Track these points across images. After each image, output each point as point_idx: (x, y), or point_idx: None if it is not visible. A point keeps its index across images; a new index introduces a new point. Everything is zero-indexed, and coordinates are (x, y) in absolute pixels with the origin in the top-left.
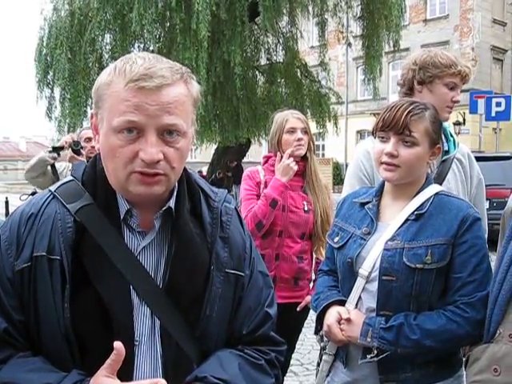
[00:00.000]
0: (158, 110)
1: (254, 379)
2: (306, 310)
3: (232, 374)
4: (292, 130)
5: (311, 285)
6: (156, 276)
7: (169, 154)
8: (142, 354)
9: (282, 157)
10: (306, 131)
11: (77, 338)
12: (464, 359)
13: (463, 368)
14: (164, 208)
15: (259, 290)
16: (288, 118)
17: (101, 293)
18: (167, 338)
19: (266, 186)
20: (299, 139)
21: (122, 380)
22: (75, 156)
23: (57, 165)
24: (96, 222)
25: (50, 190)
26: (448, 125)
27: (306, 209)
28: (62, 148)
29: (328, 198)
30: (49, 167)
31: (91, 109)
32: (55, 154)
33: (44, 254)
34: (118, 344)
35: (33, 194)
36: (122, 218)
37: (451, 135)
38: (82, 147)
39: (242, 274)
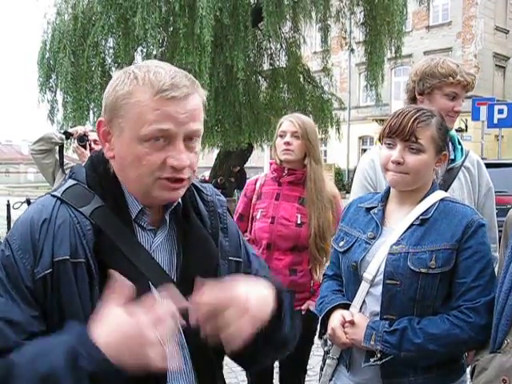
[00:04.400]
0: (186, 118)
1: None
2: (313, 320)
3: None
4: (282, 134)
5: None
6: (170, 271)
7: (191, 158)
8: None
9: (275, 163)
10: (297, 135)
11: None
12: (470, 368)
13: (466, 373)
14: (174, 205)
15: (263, 269)
16: (283, 121)
17: None
18: (187, 328)
19: (259, 197)
20: (285, 143)
21: (158, 374)
22: (80, 148)
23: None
24: (110, 223)
25: (54, 196)
26: (455, 133)
27: (298, 222)
28: (71, 135)
29: (332, 211)
30: (56, 149)
31: (94, 113)
32: (63, 136)
33: (67, 257)
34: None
35: (27, 201)
36: (133, 217)
37: (459, 143)
38: (87, 141)
39: (241, 259)
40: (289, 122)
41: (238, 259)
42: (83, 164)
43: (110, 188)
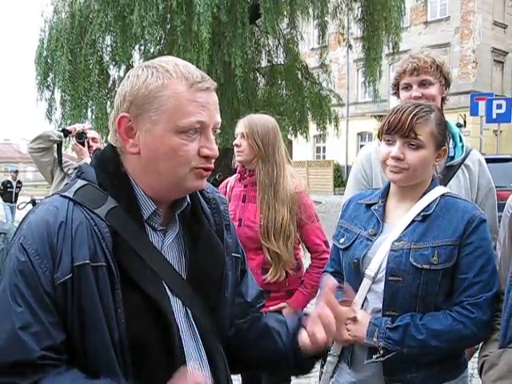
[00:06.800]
0: (214, 110)
1: None
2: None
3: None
4: (236, 136)
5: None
6: (180, 269)
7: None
8: (188, 343)
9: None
10: (244, 136)
11: (130, 343)
12: (478, 364)
13: (468, 369)
14: (185, 204)
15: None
16: (239, 123)
17: (149, 293)
18: (201, 324)
19: (230, 200)
20: (235, 145)
21: (177, 367)
22: (79, 145)
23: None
24: (125, 224)
25: (65, 196)
26: (458, 130)
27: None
28: (70, 132)
29: (291, 210)
30: (55, 147)
31: (92, 110)
32: (61, 134)
33: (87, 261)
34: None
35: (32, 201)
36: (146, 218)
37: (461, 140)
38: (85, 139)
39: (239, 255)
40: (240, 123)
41: (237, 255)
42: (82, 162)
43: (123, 188)
